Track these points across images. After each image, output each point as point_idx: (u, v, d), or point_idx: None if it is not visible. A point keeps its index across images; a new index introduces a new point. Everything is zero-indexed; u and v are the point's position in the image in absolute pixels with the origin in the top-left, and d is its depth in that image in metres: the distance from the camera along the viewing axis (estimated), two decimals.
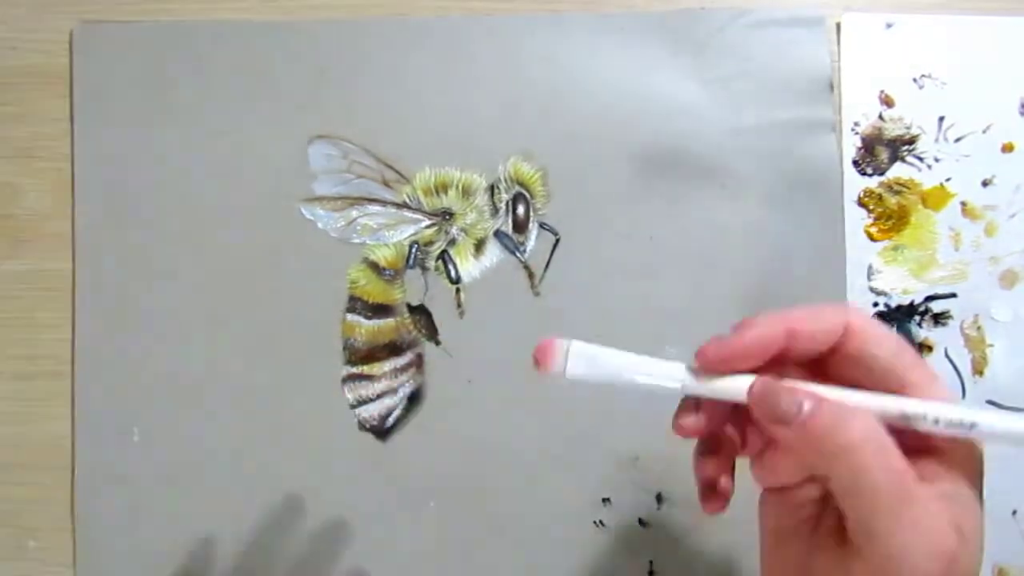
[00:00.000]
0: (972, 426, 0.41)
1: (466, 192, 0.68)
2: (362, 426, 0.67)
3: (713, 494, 0.49)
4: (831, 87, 0.68)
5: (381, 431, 0.67)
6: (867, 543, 0.41)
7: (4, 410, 0.69)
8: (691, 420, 0.48)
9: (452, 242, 0.68)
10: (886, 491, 0.40)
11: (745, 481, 0.50)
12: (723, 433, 0.49)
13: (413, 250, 0.67)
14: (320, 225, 0.68)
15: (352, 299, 0.68)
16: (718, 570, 0.66)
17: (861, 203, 0.68)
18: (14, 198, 0.70)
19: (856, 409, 0.41)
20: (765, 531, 0.50)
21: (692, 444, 0.52)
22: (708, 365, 0.46)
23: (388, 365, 0.68)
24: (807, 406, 0.42)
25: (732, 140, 0.68)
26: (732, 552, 0.66)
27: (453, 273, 0.68)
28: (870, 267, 0.68)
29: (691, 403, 0.48)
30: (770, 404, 0.43)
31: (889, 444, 0.40)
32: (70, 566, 0.68)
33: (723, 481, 0.49)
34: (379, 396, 0.67)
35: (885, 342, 0.44)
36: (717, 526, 0.66)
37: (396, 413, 0.67)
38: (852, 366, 0.45)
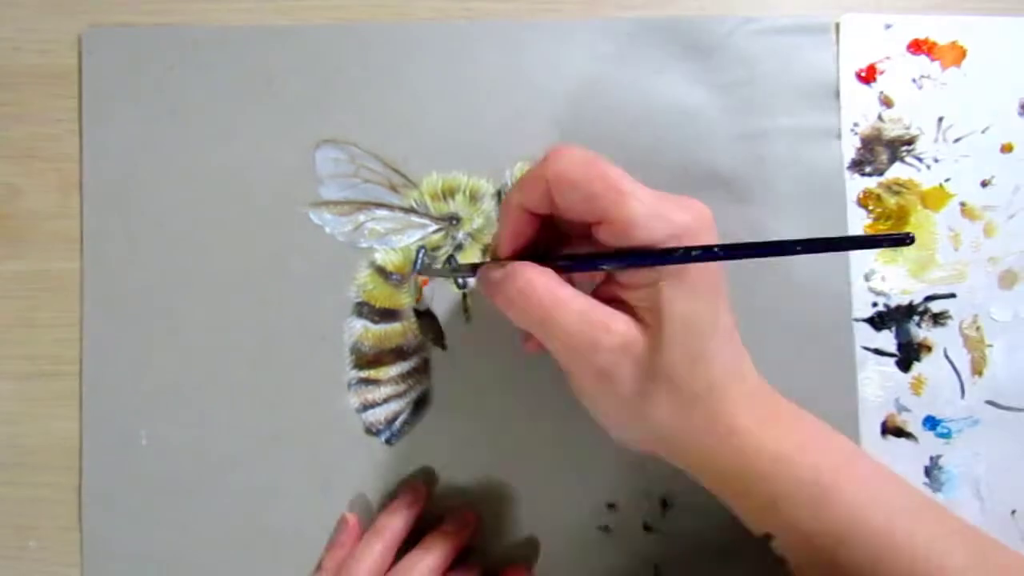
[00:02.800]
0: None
1: (473, 197, 0.68)
2: (368, 430, 0.67)
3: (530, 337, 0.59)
4: (837, 94, 0.68)
5: (388, 435, 0.68)
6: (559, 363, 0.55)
7: (4, 410, 0.69)
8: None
9: (459, 247, 0.68)
10: (536, 312, 0.52)
11: None
12: None
13: (420, 255, 0.67)
14: (327, 229, 0.68)
15: (359, 304, 0.68)
16: (724, 575, 0.67)
17: (861, 203, 0.68)
18: (14, 198, 0.69)
19: (516, 264, 0.53)
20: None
21: None
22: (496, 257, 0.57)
23: (395, 370, 0.68)
24: (496, 275, 0.54)
25: (738, 146, 0.68)
26: (738, 557, 0.66)
27: (460, 278, 0.68)
28: (869, 267, 0.68)
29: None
30: (479, 281, 0.56)
31: (539, 278, 0.52)
32: (71, 566, 0.68)
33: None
34: (385, 400, 0.67)
35: (574, 173, 0.51)
36: (723, 531, 0.66)
37: (403, 417, 0.67)
38: (572, 215, 0.52)
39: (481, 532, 0.67)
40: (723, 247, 0.49)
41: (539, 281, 0.52)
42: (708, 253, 0.49)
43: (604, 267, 0.52)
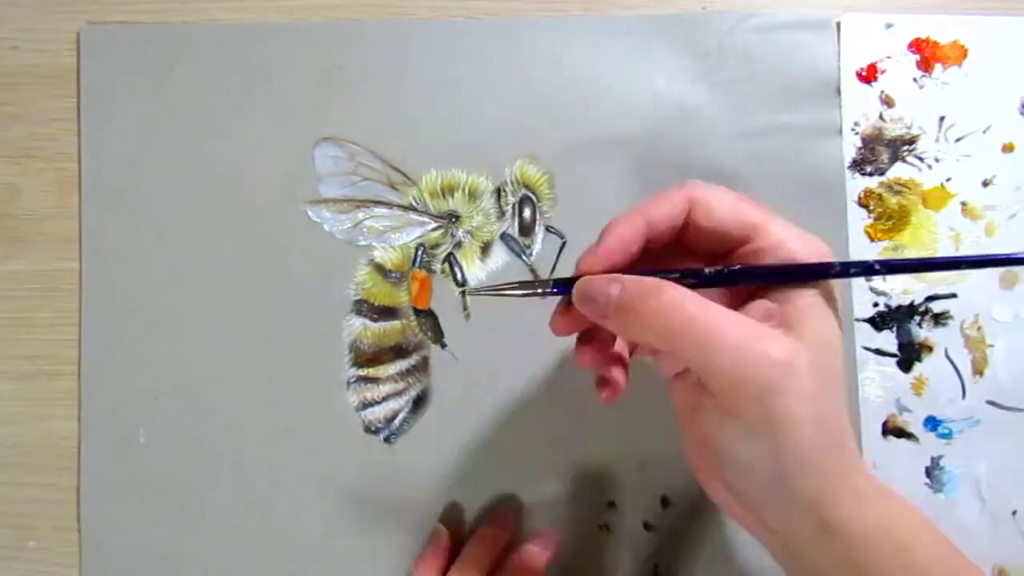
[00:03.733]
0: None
1: (472, 195, 0.68)
2: (368, 429, 0.67)
3: (606, 384, 0.56)
4: (837, 91, 0.68)
5: (387, 434, 0.67)
6: (711, 383, 0.48)
7: (4, 410, 0.69)
8: (559, 319, 0.54)
9: (458, 245, 0.68)
10: (694, 332, 0.46)
11: None
12: (597, 328, 0.55)
13: (419, 253, 0.67)
14: (326, 227, 0.68)
15: (358, 301, 0.68)
16: (723, 574, 0.66)
17: (861, 203, 0.68)
18: (14, 198, 0.69)
19: (650, 280, 0.48)
20: (677, 412, 0.54)
21: None
22: (585, 273, 0.52)
23: (394, 368, 0.68)
24: (615, 290, 0.49)
25: (738, 143, 0.68)
26: (738, 555, 0.66)
27: (459, 276, 0.68)
28: None
29: (561, 306, 0.54)
30: (587, 299, 0.51)
31: (686, 295, 0.47)
32: (70, 566, 0.68)
33: (613, 372, 0.56)
34: (385, 399, 0.67)
35: (723, 199, 0.51)
36: (723, 530, 0.66)
37: (402, 416, 0.67)
38: (709, 234, 0.51)
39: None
40: (880, 263, 0.49)
41: (686, 297, 0.47)
42: (867, 268, 0.49)
43: (745, 282, 0.51)
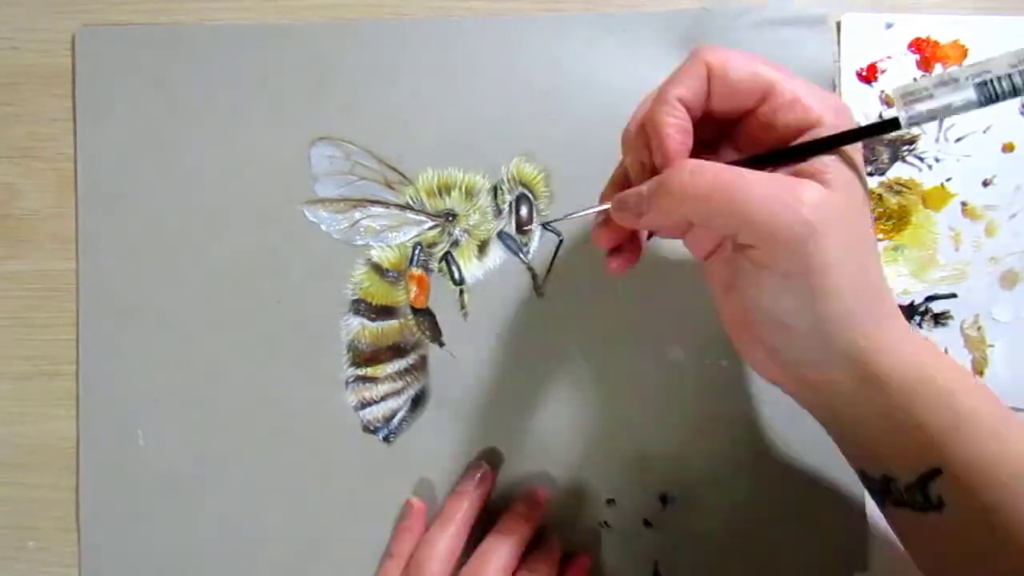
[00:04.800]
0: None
1: (469, 193, 0.68)
2: (366, 428, 0.67)
3: (619, 253, 0.58)
4: (834, 86, 0.68)
5: (386, 433, 0.67)
6: (748, 239, 0.49)
7: (4, 410, 0.69)
8: (600, 232, 0.58)
9: (455, 243, 0.68)
10: (726, 192, 0.48)
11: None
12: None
13: (416, 252, 0.67)
14: (323, 227, 0.68)
15: (356, 301, 0.68)
16: (723, 571, 0.66)
17: None
18: (14, 198, 0.70)
19: (674, 163, 0.50)
20: (714, 292, 0.56)
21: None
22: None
23: (392, 367, 0.68)
24: (645, 188, 0.51)
25: None
26: (737, 553, 0.66)
27: (457, 274, 0.68)
28: None
29: (601, 218, 0.57)
30: (622, 206, 0.54)
31: (711, 163, 0.49)
32: (69, 566, 0.68)
33: (628, 245, 0.59)
34: (383, 398, 0.67)
35: (736, 59, 0.51)
36: (722, 527, 0.66)
37: (400, 415, 0.67)
38: (727, 98, 0.52)
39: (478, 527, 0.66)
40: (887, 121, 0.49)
41: (711, 164, 0.49)
42: (893, 125, 0.49)
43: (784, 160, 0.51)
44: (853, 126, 0.50)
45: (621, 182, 0.58)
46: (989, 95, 0.44)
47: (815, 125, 0.50)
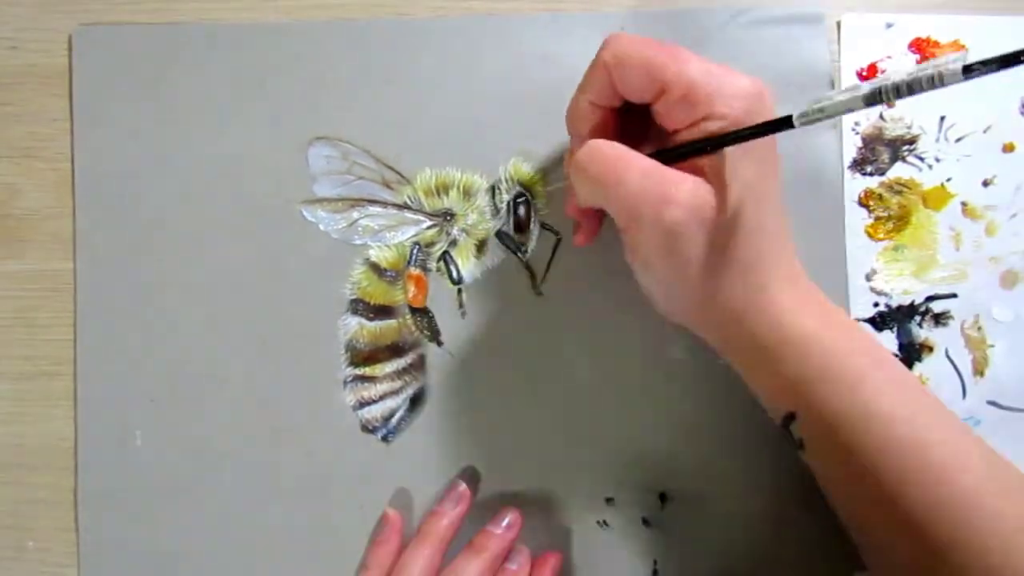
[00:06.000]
0: None
1: (467, 193, 0.68)
2: (365, 428, 0.67)
3: (579, 228, 0.65)
4: (831, 84, 0.68)
5: (384, 432, 0.67)
6: (620, 224, 0.56)
7: (3, 410, 0.69)
8: (570, 199, 0.63)
9: (453, 243, 0.68)
10: (609, 175, 0.53)
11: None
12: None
13: (415, 251, 0.67)
14: (321, 227, 0.68)
15: (354, 301, 0.68)
16: (722, 570, 0.66)
17: (862, 203, 0.68)
18: (14, 198, 0.70)
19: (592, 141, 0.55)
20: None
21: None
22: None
23: (390, 366, 0.68)
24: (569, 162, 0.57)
25: None
26: (737, 552, 0.66)
27: (455, 274, 0.68)
28: (871, 267, 0.68)
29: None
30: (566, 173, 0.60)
31: (609, 144, 0.54)
32: (69, 566, 0.68)
33: (588, 220, 0.64)
34: (382, 398, 0.67)
35: (632, 59, 0.53)
36: (721, 526, 0.66)
37: (399, 415, 0.67)
38: (633, 93, 0.55)
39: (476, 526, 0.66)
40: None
41: (605, 144, 0.54)
42: (786, 123, 0.49)
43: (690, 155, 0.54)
44: (764, 113, 0.52)
45: None
46: (875, 95, 0.44)
47: (706, 120, 0.52)
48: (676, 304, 0.60)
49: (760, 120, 0.50)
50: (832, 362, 0.54)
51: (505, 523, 0.65)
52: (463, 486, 0.66)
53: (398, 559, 0.64)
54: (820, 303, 0.58)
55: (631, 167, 0.52)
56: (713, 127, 0.52)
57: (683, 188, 0.52)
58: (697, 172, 0.53)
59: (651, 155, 0.54)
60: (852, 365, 0.54)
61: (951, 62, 0.43)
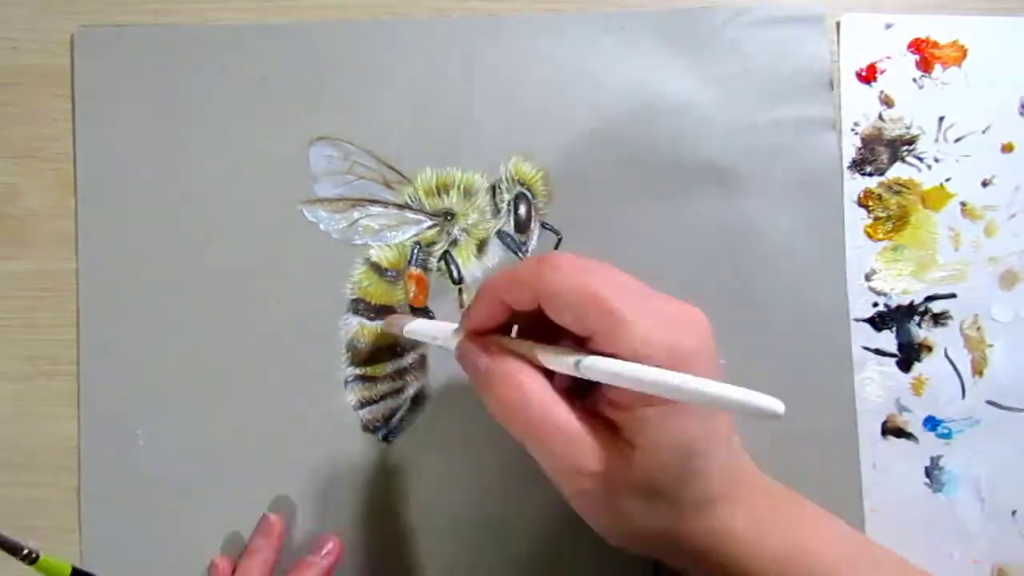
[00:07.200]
0: (577, 364, 0.47)
1: (467, 192, 0.68)
2: (366, 428, 0.67)
3: None
4: (831, 85, 0.68)
5: (385, 432, 0.67)
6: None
7: (4, 410, 0.69)
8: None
9: (454, 243, 0.68)
10: (528, 428, 0.50)
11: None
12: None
13: (415, 251, 0.67)
14: (322, 227, 0.68)
15: (355, 300, 0.68)
16: None
17: (861, 203, 0.68)
18: (14, 198, 0.70)
19: (512, 365, 0.51)
20: None
21: None
22: (470, 334, 0.55)
23: (391, 366, 0.68)
24: (481, 363, 0.52)
25: (732, 139, 0.68)
26: None
27: (455, 274, 0.68)
28: (870, 267, 0.68)
29: None
30: (464, 362, 0.55)
31: (534, 392, 0.50)
32: None
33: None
34: (382, 397, 0.67)
35: (569, 297, 0.49)
36: None
37: (400, 414, 0.67)
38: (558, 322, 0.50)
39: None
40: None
41: (535, 392, 0.50)
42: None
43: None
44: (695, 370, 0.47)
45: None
46: None
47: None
48: (616, 539, 0.55)
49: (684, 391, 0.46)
50: None
51: (324, 551, 0.66)
52: (274, 518, 0.67)
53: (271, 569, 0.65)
54: (788, 517, 0.55)
55: (552, 430, 0.49)
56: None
57: (597, 458, 0.49)
58: (621, 405, 0.50)
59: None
60: None
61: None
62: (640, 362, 0.45)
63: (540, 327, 0.52)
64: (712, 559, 0.52)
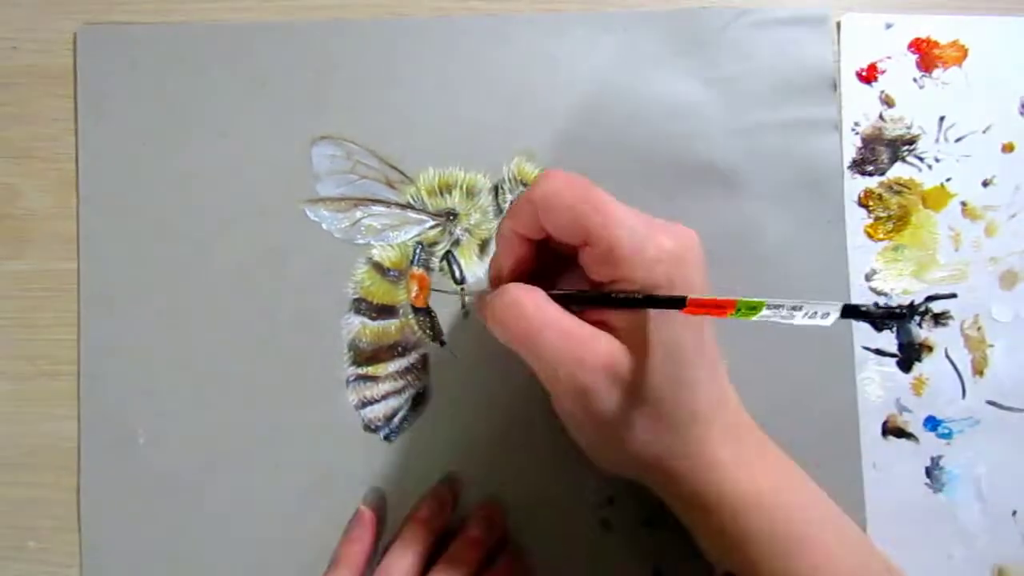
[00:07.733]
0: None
1: (470, 192, 0.68)
2: (367, 427, 0.67)
3: None
4: (834, 86, 0.68)
5: (387, 432, 0.67)
6: (541, 380, 0.56)
7: (4, 410, 0.69)
8: None
9: (456, 243, 0.68)
10: (527, 333, 0.52)
11: None
12: None
13: (417, 251, 0.67)
14: (324, 226, 0.68)
15: (357, 300, 0.68)
16: (725, 571, 0.66)
17: (861, 203, 0.68)
18: (14, 198, 0.69)
19: (509, 285, 0.53)
20: None
21: None
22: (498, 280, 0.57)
23: (393, 366, 0.68)
24: (488, 296, 0.54)
25: (734, 139, 0.68)
26: None
27: (458, 273, 0.68)
28: (870, 267, 0.68)
29: None
30: (478, 305, 0.58)
31: (528, 297, 0.52)
32: (70, 566, 0.67)
33: None
34: (384, 397, 0.67)
35: (561, 201, 0.51)
36: None
37: (401, 414, 0.67)
38: (558, 235, 0.53)
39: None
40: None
41: (526, 298, 0.52)
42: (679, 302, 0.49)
43: (599, 305, 0.53)
44: (686, 277, 0.51)
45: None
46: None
47: (623, 282, 0.51)
48: (604, 457, 0.59)
49: (681, 285, 0.50)
50: (776, 523, 0.54)
51: (485, 524, 0.66)
52: (446, 492, 0.67)
53: (369, 558, 0.65)
54: (765, 457, 0.57)
55: (548, 327, 0.51)
56: (629, 288, 0.51)
57: (596, 349, 0.51)
58: (615, 331, 0.52)
59: (574, 295, 0.53)
60: (796, 527, 0.54)
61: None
62: (634, 256, 0.50)
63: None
64: (690, 488, 0.55)
